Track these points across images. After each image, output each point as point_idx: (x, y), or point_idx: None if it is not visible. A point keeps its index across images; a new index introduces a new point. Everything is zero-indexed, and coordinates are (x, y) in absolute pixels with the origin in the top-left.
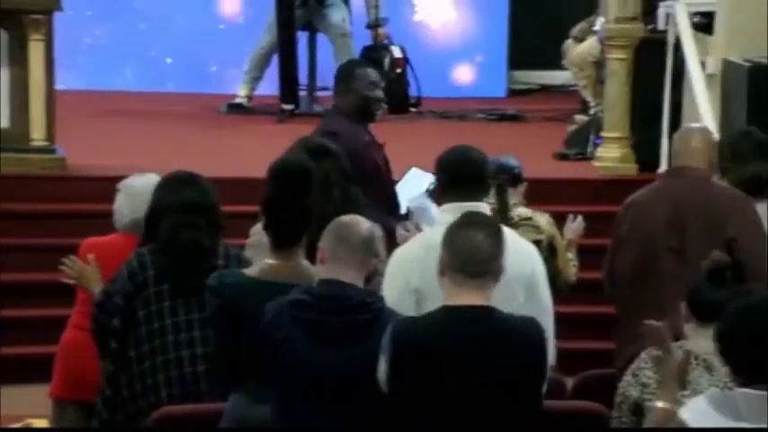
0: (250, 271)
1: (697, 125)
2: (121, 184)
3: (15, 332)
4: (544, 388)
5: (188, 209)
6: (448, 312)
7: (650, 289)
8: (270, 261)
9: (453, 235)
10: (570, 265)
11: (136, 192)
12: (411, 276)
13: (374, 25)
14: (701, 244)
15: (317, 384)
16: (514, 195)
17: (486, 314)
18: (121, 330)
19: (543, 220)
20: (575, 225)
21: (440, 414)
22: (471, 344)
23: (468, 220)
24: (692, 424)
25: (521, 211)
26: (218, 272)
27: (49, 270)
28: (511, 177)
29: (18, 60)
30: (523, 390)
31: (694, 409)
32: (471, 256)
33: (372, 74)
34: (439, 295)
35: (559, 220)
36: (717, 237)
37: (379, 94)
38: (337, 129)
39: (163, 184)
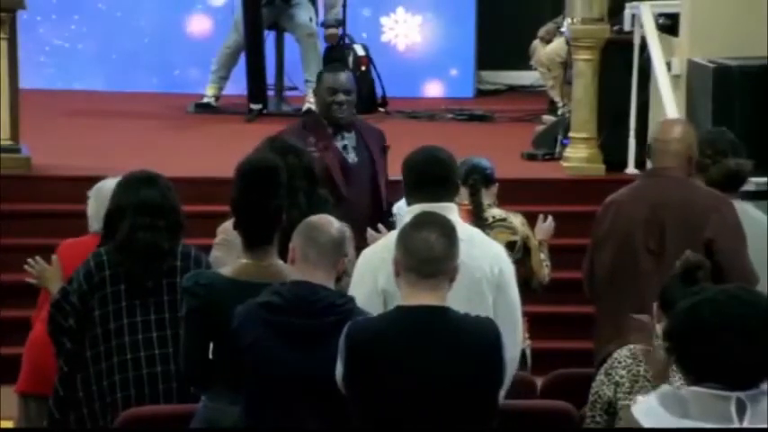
0: (225, 271)
1: (676, 119)
2: (92, 190)
3: None
4: (503, 388)
5: (147, 209)
6: (402, 312)
7: (629, 289)
8: (244, 261)
9: (407, 235)
10: (543, 266)
11: (105, 196)
12: (378, 277)
13: (330, 25)
14: (680, 244)
15: (287, 386)
16: (487, 196)
17: (439, 314)
18: (77, 330)
19: (517, 220)
20: (545, 225)
21: (395, 414)
22: (425, 344)
23: (422, 221)
24: (642, 422)
25: (495, 211)
26: (194, 272)
27: (13, 270)
28: (483, 178)
29: None
30: (478, 390)
31: (644, 408)
32: (425, 255)
33: (330, 78)
34: None
35: (529, 219)
36: (695, 237)
37: (338, 97)
38: (282, 132)
39: (122, 184)
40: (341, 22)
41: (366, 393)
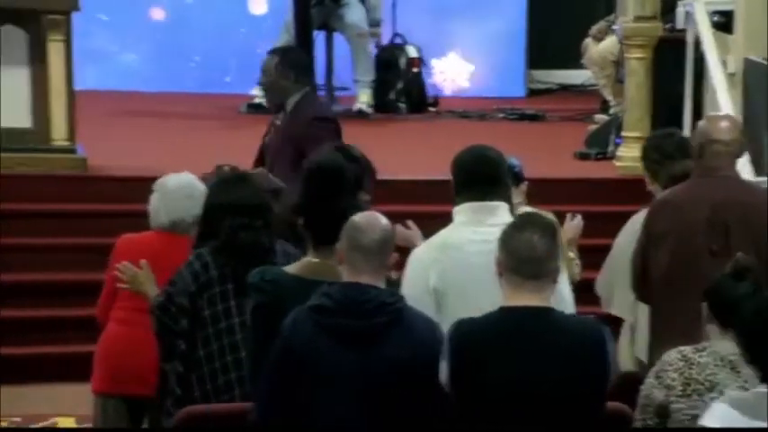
0: (290, 268)
1: (725, 116)
2: (156, 184)
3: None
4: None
5: (244, 209)
6: (505, 313)
7: (688, 290)
8: (311, 259)
9: (509, 235)
10: (573, 264)
11: (171, 191)
12: (429, 276)
13: (372, 24)
14: (743, 245)
15: (340, 388)
16: (517, 195)
17: (544, 315)
18: (189, 331)
19: None
20: (573, 224)
21: (499, 415)
22: (529, 345)
23: (525, 221)
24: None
25: (525, 210)
26: (260, 268)
27: (73, 269)
28: (512, 176)
29: (38, 61)
30: (584, 391)
31: (718, 415)
32: (527, 256)
33: (263, 62)
34: (459, 294)
35: (586, 219)
36: (759, 238)
37: (263, 80)
38: None
39: (217, 185)
40: (378, 22)
41: (471, 394)
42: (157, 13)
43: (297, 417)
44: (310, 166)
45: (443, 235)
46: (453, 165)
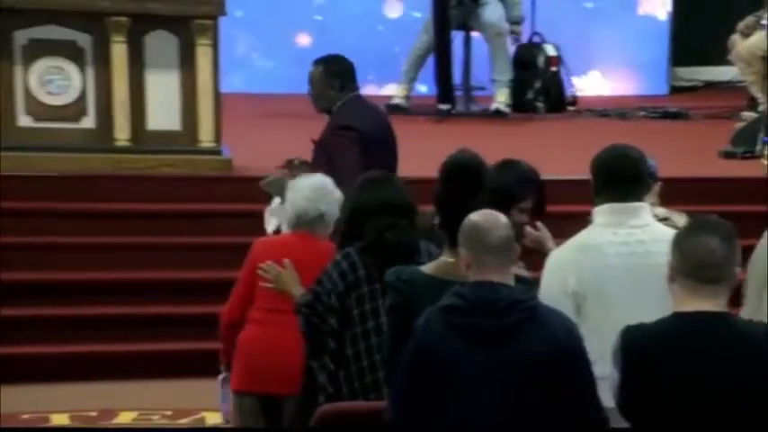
0: (426, 268)
1: None
2: (290, 186)
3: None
4: None
5: (390, 209)
6: (680, 319)
7: None
8: (446, 259)
9: (685, 239)
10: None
11: (305, 193)
12: (568, 279)
13: (514, 22)
14: None
15: (475, 388)
16: (650, 195)
17: (723, 320)
18: (338, 330)
19: (682, 220)
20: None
21: (678, 422)
22: (709, 350)
23: (701, 224)
24: None
25: (658, 210)
26: (397, 267)
27: (214, 267)
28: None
29: (187, 65)
30: (765, 401)
31: None
32: (704, 260)
33: (310, 72)
34: (597, 297)
35: (734, 221)
36: None
37: (310, 90)
38: None
39: (361, 185)
40: (521, 19)
41: (646, 401)
42: (303, 39)
43: (430, 417)
44: (447, 165)
45: (582, 236)
46: (593, 164)
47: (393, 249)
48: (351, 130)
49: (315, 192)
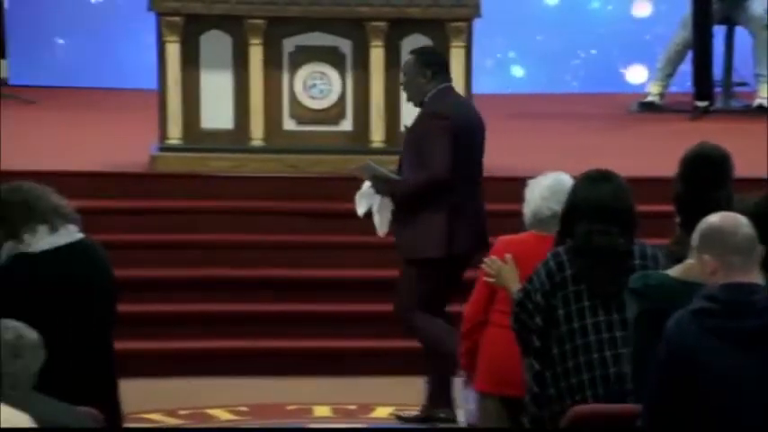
0: (673, 271)
1: None
2: (530, 184)
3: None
4: None
5: (601, 211)
6: None
7: None
8: (693, 261)
9: None
10: None
11: (541, 191)
12: None
13: None
14: None
15: (737, 391)
16: None
17: None
18: (543, 328)
19: None
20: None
21: None
22: None
23: None
24: None
25: None
26: (642, 273)
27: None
28: None
29: None
30: None
31: None
32: None
33: (404, 62)
34: None
35: None
36: None
37: (402, 79)
38: None
39: (579, 184)
40: None
41: None
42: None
43: (690, 422)
44: (690, 155)
45: None
46: None
47: (601, 252)
48: (443, 118)
49: (549, 190)
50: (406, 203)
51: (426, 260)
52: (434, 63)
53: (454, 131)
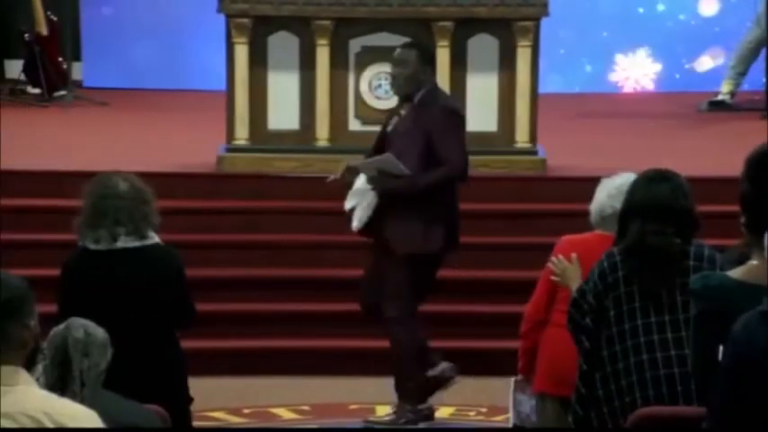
0: (734, 273)
1: None
2: (602, 182)
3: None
4: None
5: (656, 212)
6: None
7: None
8: (757, 263)
9: None
10: None
11: (608, 190)
12: None
13: None
14: None
15: None
16: None
17: None
18: (593, 329)
19: None
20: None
21: None
22: None
23: None
24: None
25: None
26: (702, 274)
27: (533, 267)
28: None
29: (506, 66)
30: None
31: None
32: None
33: (400, 53)
34: None
35: None
36: None
37: (398, 71)
38: None
39: (636, 183)
40: None
41: None
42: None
43: (759, 426)
44: (755, 155)
45: None
46: None
47: (653, 252)
48: (461, 116)
49: (617, 189)
50: (418, 198)
51: (425, 255)
52: (433, 60)
53: (464, 129)
